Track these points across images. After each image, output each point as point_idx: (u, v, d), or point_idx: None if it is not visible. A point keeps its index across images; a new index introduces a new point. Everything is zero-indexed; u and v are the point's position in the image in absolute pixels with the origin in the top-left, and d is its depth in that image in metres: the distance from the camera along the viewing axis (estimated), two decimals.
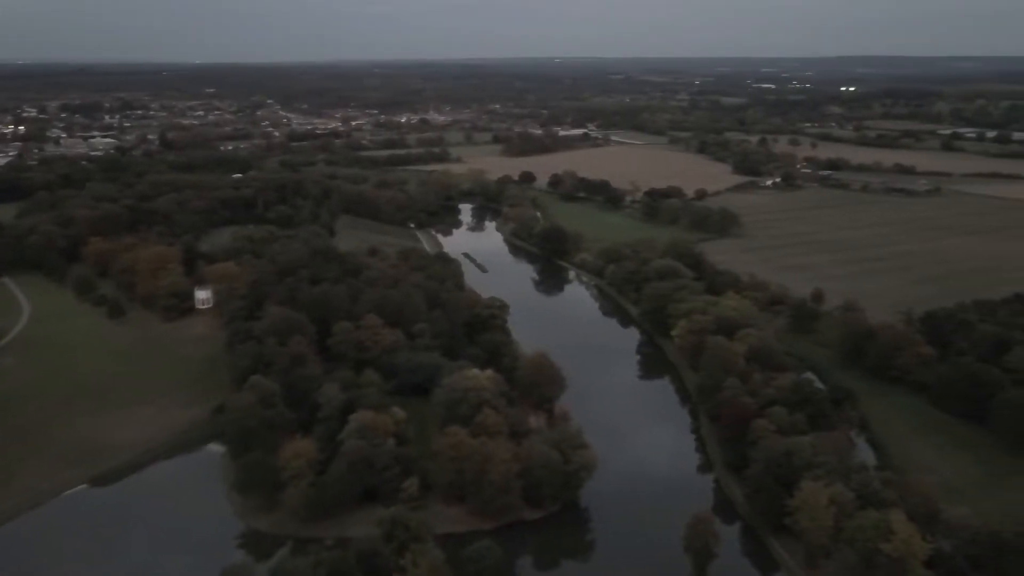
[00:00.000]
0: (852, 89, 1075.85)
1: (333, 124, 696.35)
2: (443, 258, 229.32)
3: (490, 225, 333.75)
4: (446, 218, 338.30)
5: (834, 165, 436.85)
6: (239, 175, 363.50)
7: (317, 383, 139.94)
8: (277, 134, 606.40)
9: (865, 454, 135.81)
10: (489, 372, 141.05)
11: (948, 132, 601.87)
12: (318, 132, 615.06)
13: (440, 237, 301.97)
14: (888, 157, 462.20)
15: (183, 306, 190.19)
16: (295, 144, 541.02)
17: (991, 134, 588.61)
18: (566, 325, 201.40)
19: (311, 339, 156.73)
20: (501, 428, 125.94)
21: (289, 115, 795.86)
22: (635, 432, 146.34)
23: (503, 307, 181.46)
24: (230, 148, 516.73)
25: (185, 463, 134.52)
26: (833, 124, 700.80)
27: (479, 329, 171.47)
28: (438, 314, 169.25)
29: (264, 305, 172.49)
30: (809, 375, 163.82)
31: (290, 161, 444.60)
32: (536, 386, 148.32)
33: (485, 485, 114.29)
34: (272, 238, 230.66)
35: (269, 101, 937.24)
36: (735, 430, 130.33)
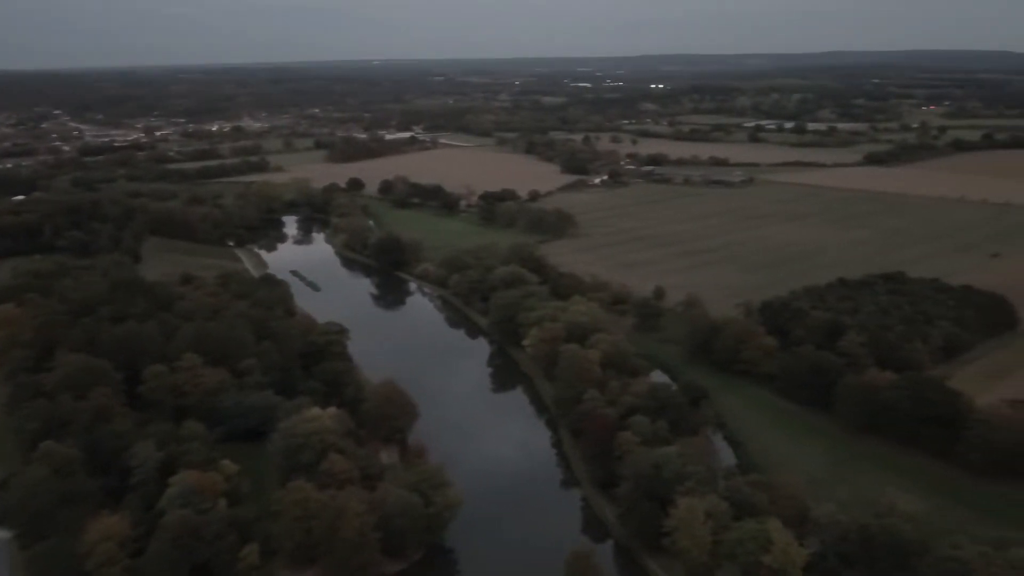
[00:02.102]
0: (661, 86, 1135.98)
1: (134, 135, 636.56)
2: (269, 280, 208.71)
3: (319, 237, 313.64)
4: (269, 233, 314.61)
5: (655, 160, 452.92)
6: (20, 197, 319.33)
7: (127, 442, 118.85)
8: (67, 148, 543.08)
9: (724, 453, 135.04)
10: (332, 410, 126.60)
11: (752, 125, 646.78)
12: (117, 144, 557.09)
13: (264, 254, 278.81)
14: (703, 150, 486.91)
15: None
16: (89, 159, 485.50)
17: (788, 125, 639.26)
18: (412, 343, 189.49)
19: (117, 389, 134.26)
20: (351, 474, 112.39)
21: (81, 126, 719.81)
22: (495, 454, 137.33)
23: (342, 331, 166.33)
24: (9, 166, 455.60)
25: None
26: (649, 120, 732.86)
27: (316, 358, 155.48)
28: (268, 346, 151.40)
29: (56, 352, 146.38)
30: (659, 374, 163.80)
31: (84, 178, 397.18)
32: (386, 418, 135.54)
33: (338, 543, 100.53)
34: (63, 271, 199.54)
35: (56, 112, 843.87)
36: (600, 445, 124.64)
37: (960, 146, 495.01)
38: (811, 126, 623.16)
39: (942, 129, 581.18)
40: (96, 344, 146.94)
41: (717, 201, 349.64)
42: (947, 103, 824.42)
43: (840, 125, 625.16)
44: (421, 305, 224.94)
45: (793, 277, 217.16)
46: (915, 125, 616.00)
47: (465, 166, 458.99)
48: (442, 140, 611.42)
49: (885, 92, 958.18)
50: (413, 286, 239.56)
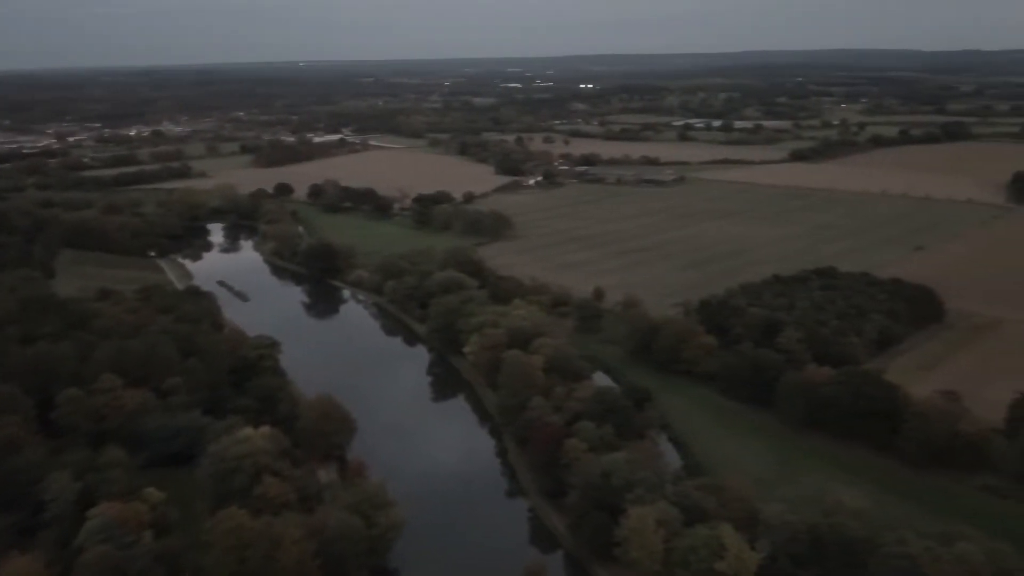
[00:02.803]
0: (591, 86, 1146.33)
1: (45, 141, 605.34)
2: (194, 292, 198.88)
3: (247, 245, 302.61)
4: (194, 241, 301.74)
5: (588, 160, 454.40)
6: None
7: (40, 473, 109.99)
8: None
9: (670, 455, 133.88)
10: (265, 429, 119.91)
11: (681, 123, 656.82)
12: (26, 151, 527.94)
13: (189, 264, 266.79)
14: (634, 150, 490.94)
15: None
16: None
17: (716, 123, 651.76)
18: (347, 353, 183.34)
19: (28, 416, 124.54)
20: (287, 497, 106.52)
21: None
22: (438, 466, 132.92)
23: (273, 344, 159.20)
24: None
25: None
26: (580, 120, 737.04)
27: (247, 374, 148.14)
28: (194, 363, 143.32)
29: None
30: (602, 376, 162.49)
31: None
32: (323, 435, 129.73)
33: (275, 573, 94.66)
34: None
35: None
36: (546, 454, 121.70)
37: (879, 142, 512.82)
38: (738, 124, 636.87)
39: (861, 125, 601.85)
40: (4, 368, 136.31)
41: (650, 200, 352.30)
42: (864, 100, 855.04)
43: (765, 123, 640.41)
44: (356, 313, 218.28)
45: (728, 274, 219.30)
46: (836, 122, 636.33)
47: (397, 168, 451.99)
48: (373, 142, 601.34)
49: (806, 90, 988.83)
50: (347, 294, 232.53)
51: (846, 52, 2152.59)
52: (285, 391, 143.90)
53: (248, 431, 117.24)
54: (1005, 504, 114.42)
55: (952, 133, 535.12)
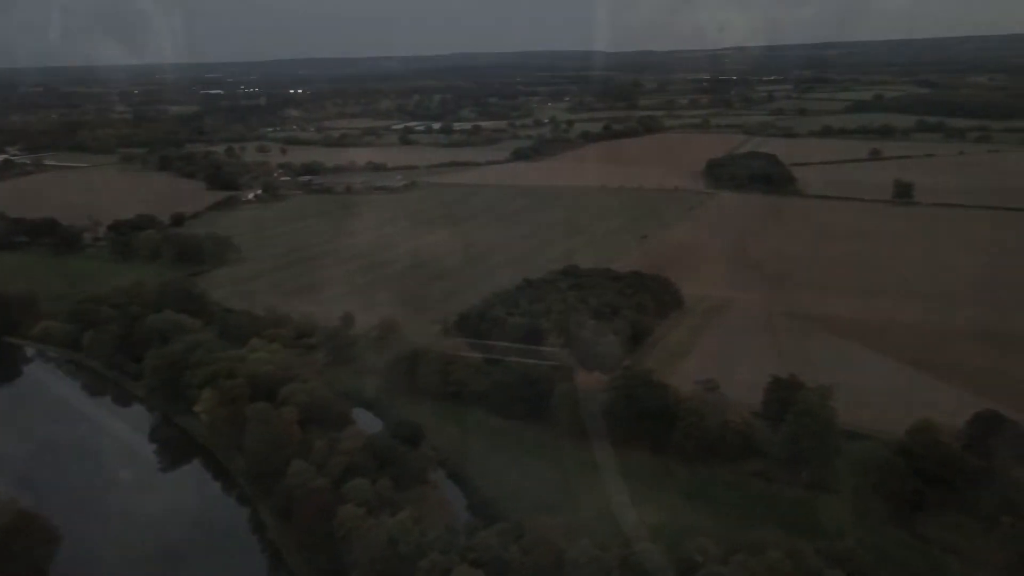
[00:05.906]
0: (301, 91, 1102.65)
1: None
2: None
3: None
4: None
5: (311, 169, 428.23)
6: None
7: None
8: None
9: (453, 495, 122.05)
10: None
11: (401, 127, 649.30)
12: None
13: None
14: (358, 156, 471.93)
15: None
16: None
17: (436, 126, 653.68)
18: (38, 434, 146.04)
19: None
20: None
21: None
22: (180, 562, 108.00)
23: None
24: None
25: None
26: (295, 127, 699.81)
27: None
28: None
29: None
30: (363, 412, 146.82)
31: None
32: (12, 557, 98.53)
33: None
34: None
35: None
36: (317, 528, 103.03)
37: (588, 137, 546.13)
38: (457, 126, 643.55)
39: (570, 123, 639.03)
40: None
41: (385, 208, 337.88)
42: (567, 99, 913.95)
43: (483, 123, 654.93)
44: (47, 378, 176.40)
45: (478, 281, 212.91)
46: (546, 120, 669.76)
47: (86, 191, 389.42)
48: (49, 162, 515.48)
49: (514, 91, 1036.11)
50: (32, 353, 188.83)
51: (544, 53, 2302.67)
52: None
53: None
54: (775, 488, 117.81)
55: (648, 127, 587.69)
